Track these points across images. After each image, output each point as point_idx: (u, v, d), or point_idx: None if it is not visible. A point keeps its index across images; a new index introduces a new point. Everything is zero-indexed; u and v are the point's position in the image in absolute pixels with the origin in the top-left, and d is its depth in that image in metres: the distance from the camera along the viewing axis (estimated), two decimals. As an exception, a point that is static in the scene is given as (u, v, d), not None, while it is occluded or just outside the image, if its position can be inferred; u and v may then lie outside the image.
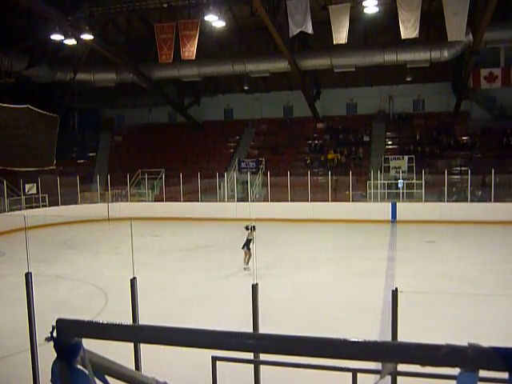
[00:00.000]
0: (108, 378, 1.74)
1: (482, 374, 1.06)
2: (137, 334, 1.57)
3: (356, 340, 1.19)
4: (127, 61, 28.50)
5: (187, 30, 23.64)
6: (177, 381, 7.42)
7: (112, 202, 29.03)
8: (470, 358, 1.01)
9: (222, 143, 34.87)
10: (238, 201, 27.74)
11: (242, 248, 15.14)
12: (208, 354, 5.43)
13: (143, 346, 6.24)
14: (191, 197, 28.10)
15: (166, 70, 29.16)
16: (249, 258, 14.99)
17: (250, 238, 14.97)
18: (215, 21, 23.10)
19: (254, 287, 5.85)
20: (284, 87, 34.18)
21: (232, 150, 34.18)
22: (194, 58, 24.41)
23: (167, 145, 34.82)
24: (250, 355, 5.78)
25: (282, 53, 25.69)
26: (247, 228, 15.16)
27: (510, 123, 30.28)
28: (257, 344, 1.37)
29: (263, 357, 6.02)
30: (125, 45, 28.91)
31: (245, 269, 14.94)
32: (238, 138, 35.17)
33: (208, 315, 10.80)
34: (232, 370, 6.44)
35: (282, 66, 27.52)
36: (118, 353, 2.80)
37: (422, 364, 1.09)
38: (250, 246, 14.88)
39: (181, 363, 7.82)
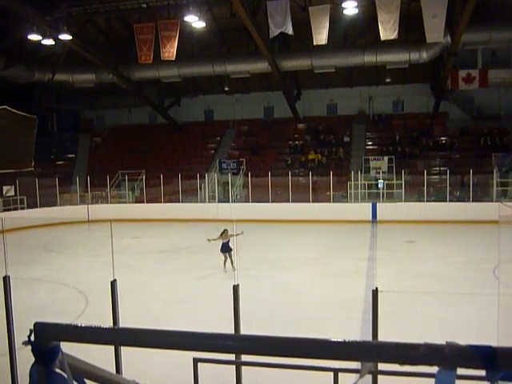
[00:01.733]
0: (88, 382, 1.72)
1: (461, 371, 1.08)
2: (117, 336, 1.56)
3: (336, 340, 1.20)
4: (106, 61, 28.27)
5: (167, 31, 23.55)
6: (159, 383, 7.38)
7: (92, 203, 28.76)
8: (447, 356, 1.02)
9: (203, 144, 34.77)
10: (218, 202, 27.70)
11: (221, 251, 15.11)
12: (189, 355, 5.42)
13: (124, 349, 6.20)
14: (172, 198, 27.98)
15: (146, 70, 29.00)
16: (225, 261, 14.98)
17: (225, 240, 14.94)
18: (195, 21, 23.07)
19: (235, 288, 5.85)
20: (264, 88, 34.24)
21: (213, 151, 34.11)
22: (174, 58, 24.34)
23: (147, 146, 34.59)
24: (231, 356, 5.78)
25: (262, 54, 25.74)
26: (221, 234, 15.12)
27: (487, 124, 30.77)
28: (238, 345, 1.37)
29: (245, 358, 6.03)
30: (104, 45, 28.64)
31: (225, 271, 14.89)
32: (218, 138, 35.11)
33: (189, 317, 10.75)
34: (213, 371, 6.43)
35: (262, 66, 27.57)
36: (99, 356, 2.77)
37: (401, 363, 1.10)
38: (229, 247, 14.87)
39: (162, 365, 7.77)
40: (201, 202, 28.14)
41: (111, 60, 28.53)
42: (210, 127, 36.08)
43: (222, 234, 15.01)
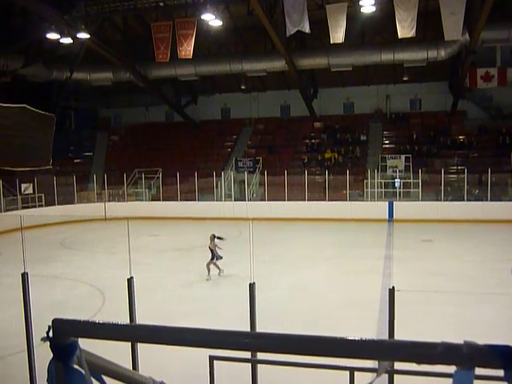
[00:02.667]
0: (105, 378, 1.74)
1: (479, 371, 1.07)
2: (133, 333, 1.57)
3: (352, 338, 1.19)
4: (124, 60, 28.46)
5: (184, 29, 23.63)
6: (174, 380, 7.43)
7: (109, 201, 29.00)
8: (465, 355, 1.01)
9: (219, 142, 34.86)
10: (235, 200, 27.74)
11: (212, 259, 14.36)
12: (205, 353, 5.44)
13: (140, 346, 6.25)
14: (188, 196, 28.08)
15: (163, 69, 29.12)
16: (209, 267, 14.31)
17: (212, 247, 14.36)
18: (212, 20, 23.09)
19: (251, 286, 5.86)
20: (281, 86, 34.21)
21: (229, 150, 34.17)
22: (190, 57, 24.40)
23: (164, 144, 34.78)
24: (247, 354, 5.79)
25: (279, 52, 25.69)
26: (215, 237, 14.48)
27: (506, 123, 30.35)
28: (254, 343, 1.37)
29: (260, 356, 6.04)
30: (121, 44, 28.84)
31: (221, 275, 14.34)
32: (235, 137, 35.16)
33: (205, 315, 10.79)
34: (229, 369, 6.45)
35: (279, 65, 27.51)
36: (115, 353, 2.80)
37: (418, 362, 1.09)
38: (216, 255, 14.28)
39: (178, 363, 7.81)
40: (217, 200, 28.20)
41: (128, 58, 28.72)
42: (227, 125, 36.15)
43: (211, 240, 14.45)
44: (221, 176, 28.42)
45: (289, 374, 7.29)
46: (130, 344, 6.21)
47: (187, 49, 23.83)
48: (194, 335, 1.40)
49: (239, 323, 5.16)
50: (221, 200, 28.13)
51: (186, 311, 11.08)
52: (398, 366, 5.37)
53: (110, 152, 36.21)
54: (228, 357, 5.64)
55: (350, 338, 1.19)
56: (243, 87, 34.06)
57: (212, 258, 14.30)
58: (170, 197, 28.50)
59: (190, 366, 7.72)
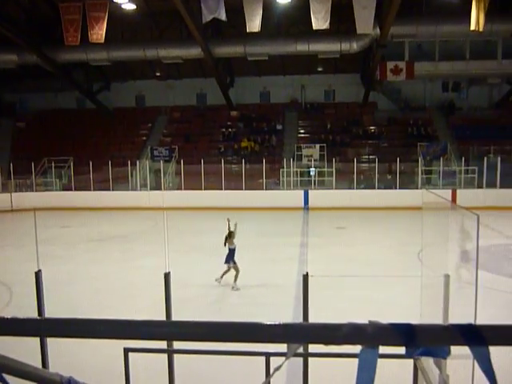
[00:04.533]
0: (8, 377, 1.62)
1: (384, 350, 1.09)
2: (41, 327, 1.47)
3: (262, 323, 1.18)
4: (29, 41, 26.83)
5: (95, 12, 22.68)
6: (88, 375, 7.18)
7: (15, 191, 27.43)
8: (370, 334, 1.03)
9: (134, 131, 33.96)
10: (150, 189, 27.23)
11: (226, 262, 12.06)
12: (120, 345, 5.30)
13: (51, 341, 5.97)
14: (102, 186, 27.19)
15: (73, 52, 27.77)
16: (236, 273, 11.99)
17: (232, 247, 12.10)
18: (125, 3, 22.40)
19: (166, 276, 5.77)
20: (197, 74, 33.87)
21: (144, 138, 33.42)
22: (102, 41, 23.49)
23: (76, 132, 33.34)
24: (163, 345, 5.71)
25: (195, 39, 25.37)
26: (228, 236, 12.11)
27: (413, 114, 32.10)
28: (170, 331, 1.32)
29: (176, 346, 5.98)
30: (26, 24, 27.18)
31: (235, 288, 11.77)
32: (150, 125, 34.43)
33: (121, 306, 10.53)
34: (145, 360, 6.34)
35: (195, 52, 27.20)
36: (24, 351, 2.64)
37: (326, 343, 1.10)
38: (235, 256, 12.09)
39: (92, 357, 7.58)
40: (132, 189, 27.56)
41: (34, 40, 27.12)
42: (142, 113, 35.28)
43: (230, 236, 12.11)
44: (136, 165, 27.74)
45: (206, 363, 7.29)
46: (38, 340, 5.92)
47: (99, 32, 22.93)
48: (107, 326, 1.33)
49: (155, 313, 5.07)
50: (136, 189, 27.51)
51: (101, 304, 10.75)
52: (312, 349, 5.52)
53: (16, 140, 34.18)
54: (144, 348, 5.54)
55: (260, 323, 1.18)
56: (158, 74, 33.37)
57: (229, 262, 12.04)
58: (82, 186, 27.44)
59: (104, 360, 7.51)
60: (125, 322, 1.28)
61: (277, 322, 1.17)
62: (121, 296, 11.48)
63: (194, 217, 23.34)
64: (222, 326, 1.23)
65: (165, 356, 5.98)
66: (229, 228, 12.24)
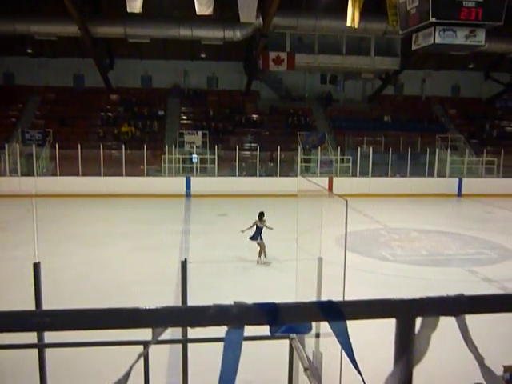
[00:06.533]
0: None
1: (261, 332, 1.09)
2: None
3: (127, 308, 1.13)
4: None
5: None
6: None
7: None
8: (234, 315, 1.03)
9: (2, 111, 31.31)
10: (21, 175, 25.38)
11: (252, 239, 13.22)
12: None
13: None
14: (-36, 171, 24.86)
15: None
16: (263, 249, 13.26)
17: (261, 226, 13.26)
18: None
19: (36, 266, 5.41)
20: (74, 54, 32.00)
21: (14, 120, 31.00)
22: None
23: None
24: (32, 340, 5.36)
25: (71, 15, 23.93)
26: (260, 217, 13.31)
27: (293, 104, 33.26)
28: (38, 321, 1.21)
29: (48, 340, 5.65)
30: None
31: (261, 262, 13.12)
32: (20, 106, 31.98)
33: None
34: (15, 357, 5.93)
35: (71, 30, 25.62)
36: None
37: (192, 326, 1.08)
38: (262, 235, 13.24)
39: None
40: (0, 175, 25.51)
41: None
42: (10, 93, 32.55)
43: (260, 220, 13.25)
44: (4, 149, 25.67)
45: (80, 356, 7.00)
46: None
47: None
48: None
49: (25, 306, 4.73)
50: (5, 175, 25.49)
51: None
52: (193, 334, 5.51)
53: None
54: (12, 344, 5.17)
55: (122, 308, 1.13)
56: (30, 51, 31.03)
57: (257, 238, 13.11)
58: None
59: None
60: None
61: (141, 307, 1.12)
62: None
63: (70, 204, 22.24)
64: (96, 313, 1.16)
65: (35, 351, 5.63)
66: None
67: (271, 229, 13.20)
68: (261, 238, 13.15)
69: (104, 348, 6.12)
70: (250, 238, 13.18)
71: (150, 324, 1.12)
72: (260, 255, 13.17)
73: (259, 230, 13.14)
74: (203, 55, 32.50)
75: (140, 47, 30.50)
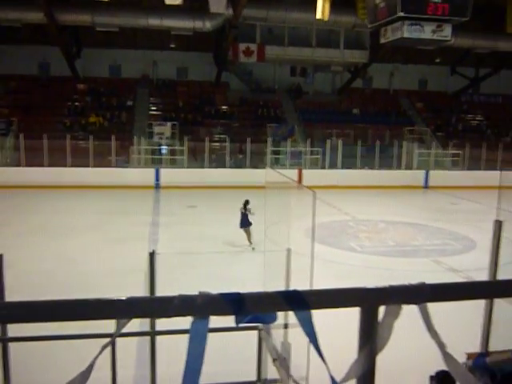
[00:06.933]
0: None
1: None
2: None
3: (89, 299, 1.11)
4: None
5: None
6: None
7: None
8: (200, 305, 1.02)
9: (-37, 100, 30.39)
10: (-16, 166, 24.71)
11: (241, 227, 13.81)
12: None
13: None
14: None
15: None
16: (248, 235, 13.80)
17: (246, 213, 13.74)
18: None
19: (-1, 258, 5.29)
20: (40, 41, 31.13)
21: (-24, 109, 30.10)
22: None
23: None
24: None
25: (36, 2, 23.30)
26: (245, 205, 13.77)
27: (263, 96, 33.21)
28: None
29: (12, 333, 5.55)
30: None
31: (251, 247, 13.66)
32: (-18, 94, 31.06)
33: None
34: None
35: (36, 17, 24.98)
36: None
37: (156, 317, 1.07)
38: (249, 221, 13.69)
39: None
40: (-39, 165, 24.79)
41: None
42: (-28, 81, 31.62)
43: (245, 207, 13.74)
44: (-35, 138, 24.95)
45: (46, 350, 6.89)
46: None
47: None
48: None
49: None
50: (-34, 166, 24.78)
51: None
52: (161, 326, 5.49)
53: None
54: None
55: (86, 299, 1.11)
56: (-8, 38, 30.14)
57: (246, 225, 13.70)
58: None
59: None
60: None
61: (104, 298, 1.11)
62: None
63: (36, 195, 21.77)
64: (63, 304, 1.15)
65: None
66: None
67: (253, 214, 13.57)
68: (249, 224, 13.62)
69: (70, 341, 6.06)
70: (241, 227, 13.79)
71: (113, 315, 1.11)
72: (249, 241, 13.70)
73: (245, 217, 13.67)
74: (173, 45, 32.14)
75: (109, 36, 29.90)
